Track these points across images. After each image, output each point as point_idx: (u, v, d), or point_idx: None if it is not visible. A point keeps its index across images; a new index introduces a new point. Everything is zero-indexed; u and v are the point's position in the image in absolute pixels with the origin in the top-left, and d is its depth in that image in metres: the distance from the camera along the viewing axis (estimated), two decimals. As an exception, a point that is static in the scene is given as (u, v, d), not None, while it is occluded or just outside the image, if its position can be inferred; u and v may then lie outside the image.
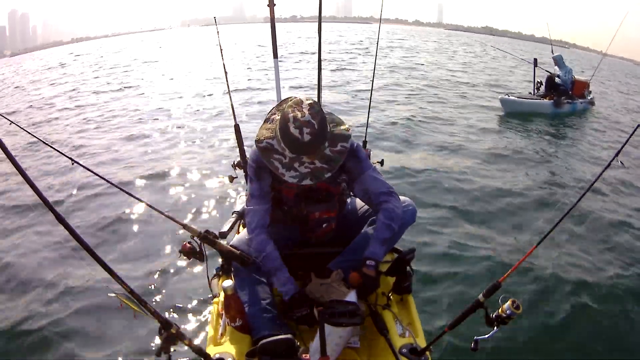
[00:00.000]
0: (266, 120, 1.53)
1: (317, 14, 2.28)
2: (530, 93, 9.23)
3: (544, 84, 8.95)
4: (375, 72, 3.17)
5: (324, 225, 1.62)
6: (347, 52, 18.62)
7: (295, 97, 1.43)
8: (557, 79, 8.75)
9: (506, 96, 8.72)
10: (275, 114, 1.51)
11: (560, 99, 8.58)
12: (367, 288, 1.45)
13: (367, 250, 1.47)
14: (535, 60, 9.00)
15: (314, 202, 1.60)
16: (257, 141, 1.45)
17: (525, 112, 8.42)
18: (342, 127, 1.47)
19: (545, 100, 8.65)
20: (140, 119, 7.83)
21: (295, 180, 1.38)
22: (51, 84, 14.06)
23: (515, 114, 8.31)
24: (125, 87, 11.64)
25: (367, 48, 20.88)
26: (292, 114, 1.34)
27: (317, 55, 2.40)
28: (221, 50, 2.75)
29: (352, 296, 1.37)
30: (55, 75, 16.69)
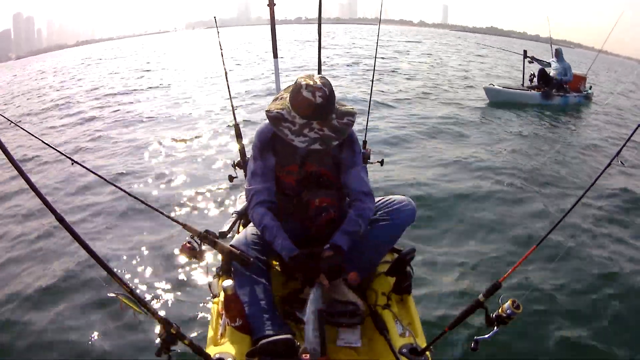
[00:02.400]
0: (275, 99, 1.60)
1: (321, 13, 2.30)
2: (521, 85, 9.11)
3: (536, 76, 8.83)
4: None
5: (324, 214, 1.61)
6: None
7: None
8: (551, 72, 8.61)
9: (490, 85, 8.56)
10: (283, 94, 1.58)
11: (551, 91, 8.43)
12: (331, 271, 1.44)
13: (331, 239, 1.50)
14: (525, 52, 8.91)
15: (314, 189, 1.62)
16: (268, 111, 1.52)
17: (510, 102, 8.20)
18: (348, 107, 1.56)
19: (533, 92, 8.48)
20: (141, 121, 7.84)
21: (304, 145, 1.44)
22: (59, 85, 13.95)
23: (500, 104, 8.09)
24: (129, 91, 11.57)
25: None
26: (304, 82, 1.45)
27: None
28: (220, 48, 2.79)
29: (314, 294, 1.37)
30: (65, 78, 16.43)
